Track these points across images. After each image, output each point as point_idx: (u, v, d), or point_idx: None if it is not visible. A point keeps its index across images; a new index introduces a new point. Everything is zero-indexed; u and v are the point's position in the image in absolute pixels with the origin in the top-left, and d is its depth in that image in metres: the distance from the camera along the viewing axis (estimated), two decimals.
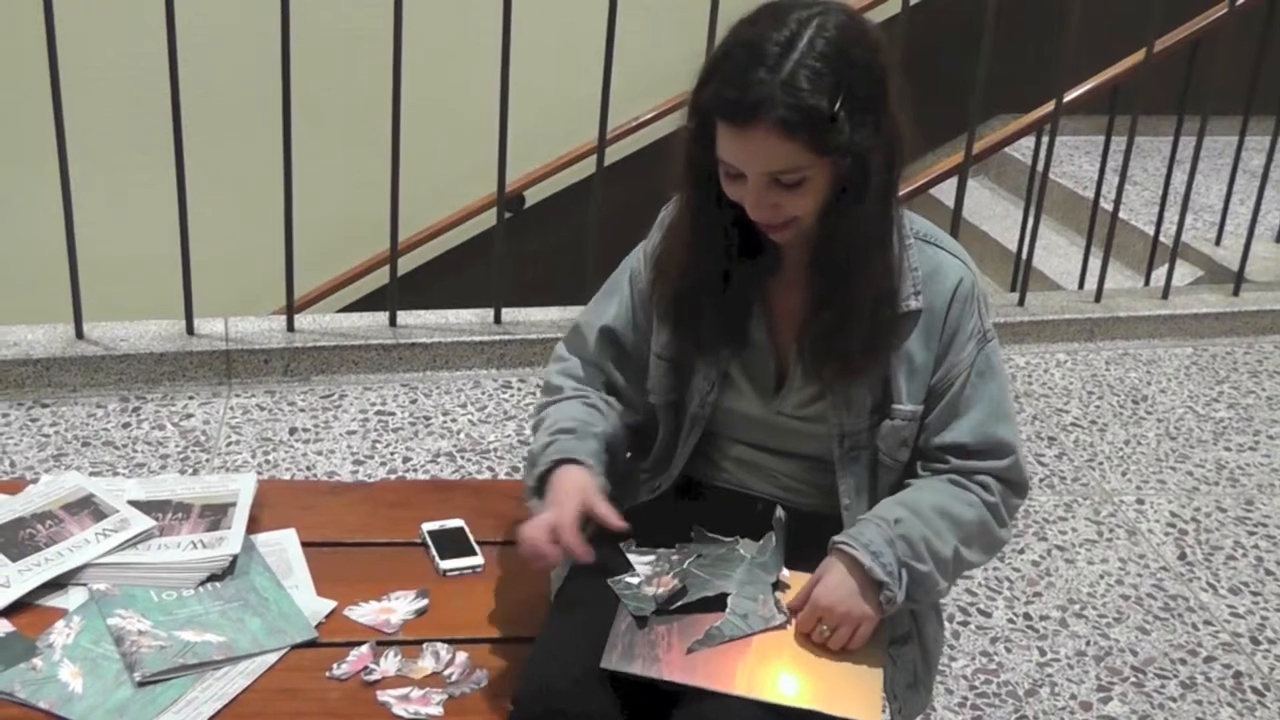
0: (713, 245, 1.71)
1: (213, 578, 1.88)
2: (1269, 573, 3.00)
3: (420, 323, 3.74)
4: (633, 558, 1.74)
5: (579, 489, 1.69)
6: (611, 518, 1.66)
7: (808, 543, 1.72)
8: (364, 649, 1.78)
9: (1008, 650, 2.68)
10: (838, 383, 1.71)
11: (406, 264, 4.55)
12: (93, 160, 3.66)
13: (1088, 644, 2.72)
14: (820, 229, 1.63)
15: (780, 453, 1.80)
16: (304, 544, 2.01)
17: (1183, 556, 3.04)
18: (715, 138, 1.57)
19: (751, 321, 1.75)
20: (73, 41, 3.29)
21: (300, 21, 3.33)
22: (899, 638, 1.74)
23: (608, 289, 1.89)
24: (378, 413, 3.42)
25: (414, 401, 3.49)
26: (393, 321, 3.72)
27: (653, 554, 1.75)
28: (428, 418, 3.41)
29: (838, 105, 1.51)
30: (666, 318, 1.78)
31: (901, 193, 1.72)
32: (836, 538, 1.67)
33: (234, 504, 2.03)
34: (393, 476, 3.13)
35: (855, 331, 1.66)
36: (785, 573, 1.73)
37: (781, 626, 1.67)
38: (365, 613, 1.87)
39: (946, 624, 2.69)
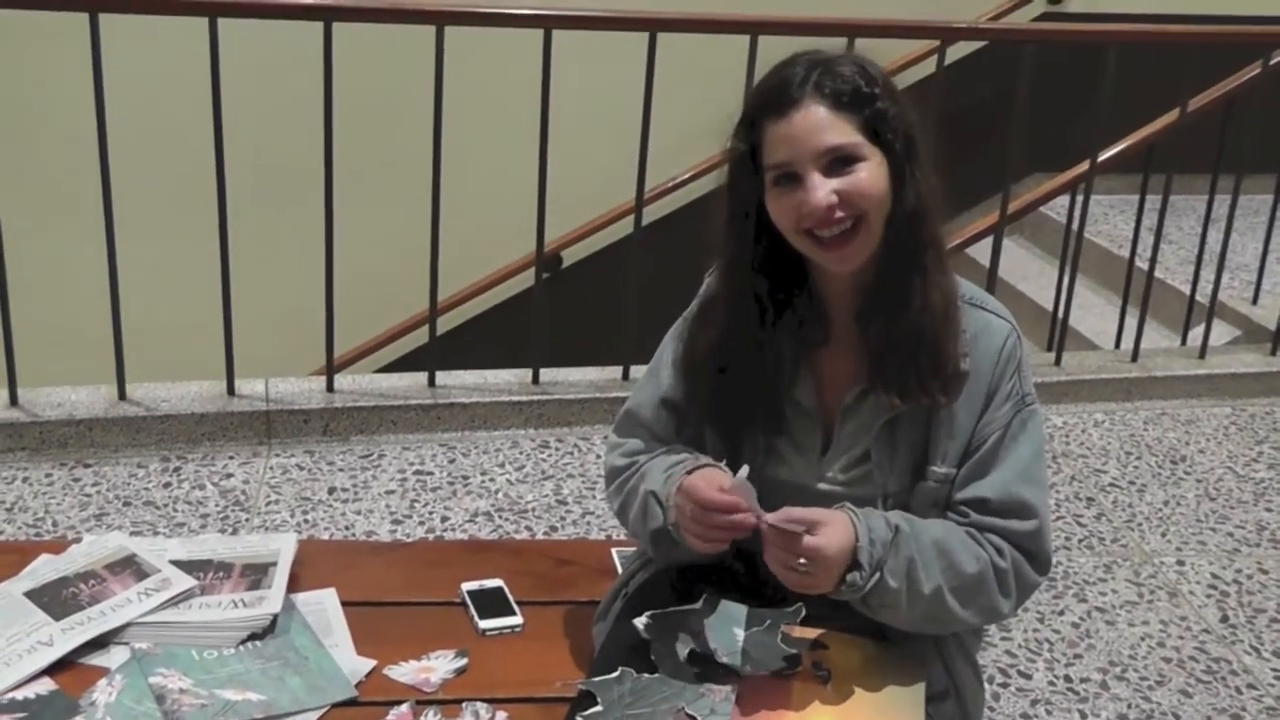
0: (753, 315, 1.71)
1: (253, 636, 1.90)
2: None
3: (459, 383, 3.77)
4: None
5: (712, 479, 1.66)
6: (742, 514, 1.60)
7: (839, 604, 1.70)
8: (404, 708, 1.79)
9: (1048, 713, 2.66)
10: (906, 416, 1.70)
11: (444, 323, 4.58)
12: (137, 223, 3.72)
13: (1129, 707, 2.69)
14: (877, 256, 1.65)
15: None
16: (344, 603, 2.03)
17: (1225, 619, 3.01)
18: (763, 149, 1.62)
19: (799, 386, 1.75)
20: (120, 106, 3.34)
21: (342, 85, 3.38)
22: (936, 695, 1.73)
23: (653, 368, 1.88)
24: (416, 472, 3.43)
25: (452, 461, 3.51)
26: (431, 382, 3.75)
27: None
28: (466, 477, 3.43)
29: (876, 91, 1.61)
30: (703, 407, 1.78)
31: None
32: (848, 505, 1.66)
33: (274, 563, 2.05)
34: (431, 536, 3.14)
35: (928, 351, 1.66)
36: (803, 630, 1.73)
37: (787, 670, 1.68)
38: (405, 672, 1.88)
39: (986, 685, 2.67)
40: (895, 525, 1.65)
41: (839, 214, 1.60)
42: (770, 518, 1.58)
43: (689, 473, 1.69)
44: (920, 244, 1.65)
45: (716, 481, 1.64)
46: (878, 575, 1.61)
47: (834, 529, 1.59)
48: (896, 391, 1.68)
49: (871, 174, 1.60)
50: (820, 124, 1.58)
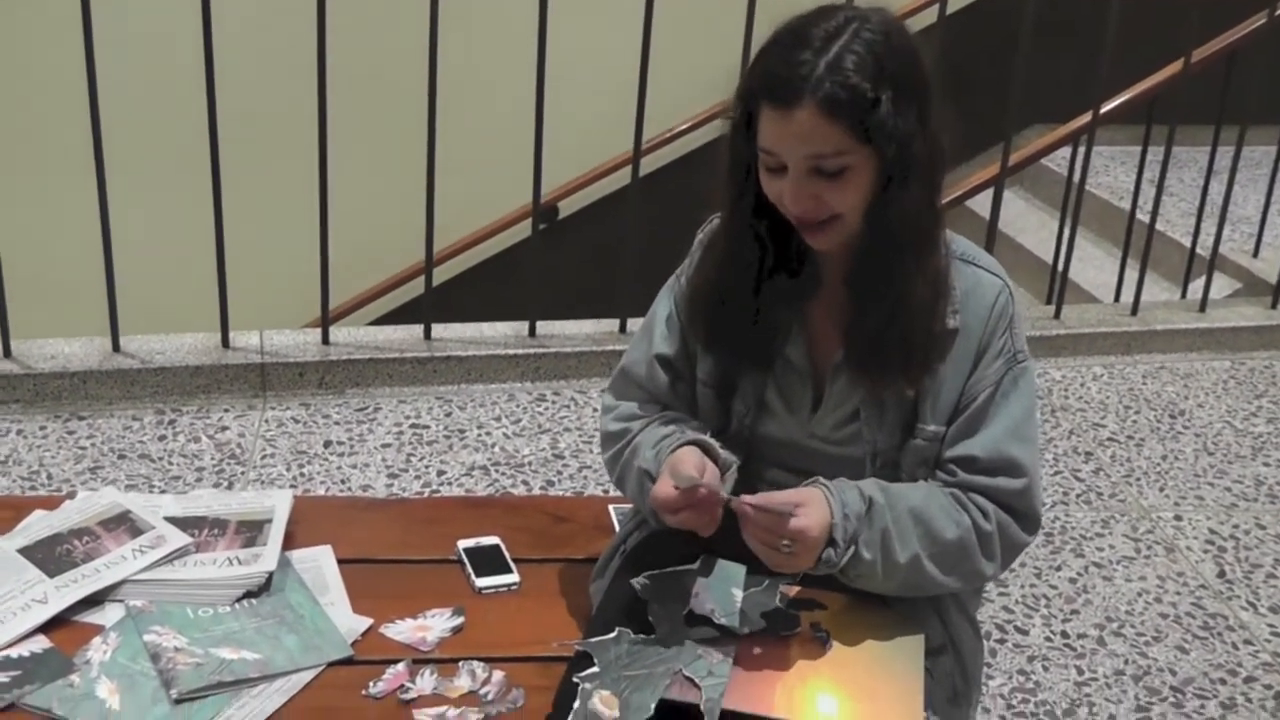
0: (749, 256, 1.70)
1: (249, 594, 1.89)
2: None
3: (455, 336, 3.75)
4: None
5: (698, 462, 1.65)
6: (715, 490, 1.61)
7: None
8: (400, 667, 1.78)
9: (1045, 669, 2.66)
10: (879, 395, 1.70)
11: (440, 275, 4.56)
12: (130, 174, 3.68)
13: (1126, 663, 2.69)
14: (862, 232, 1.62)
15: (814, 475, 1.78)
16: (340, 561, 2.01)
17: (1222, 574, 3.01)
18: (758, 127, 1.58)
19: (790, 342, 1.74)
20: (111, 57, 3.30)
21: (335, 35, 3.34)
22: (934, 649, 1.72)
23: (646, 325, 1.87)
24: (412, 426, 3.42)
25: (448, 414, 3.49)
26: (427, 334, 3.73)
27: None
28: (462, 431, 3.42)
29: (882, 91, 1.53)
30: (702, 339, 1.78)
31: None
32: (821, 479, 1.65)
33: (270, 520, 2.03)
34: (427, 490, 3.13)
35: (899, 343, 1.64)
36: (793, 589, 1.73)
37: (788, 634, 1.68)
38: (401, 630, 1.87)
39: (984, 641, 2.67)
40: (869, 498, 1.64)
41: (814, 213, 1.58)
42: (748, 499, 1.57)
43: (672, 450, 1.69)
44: (905, 240, 1.62)
45: (683, 467, 1.63)
46: (852, 549, 1.62)
47: (813, 508, 1.59)
48: (863, 373, 1.68)
49: (853, 181, 1.56)
50: (812, 131, 1.52)
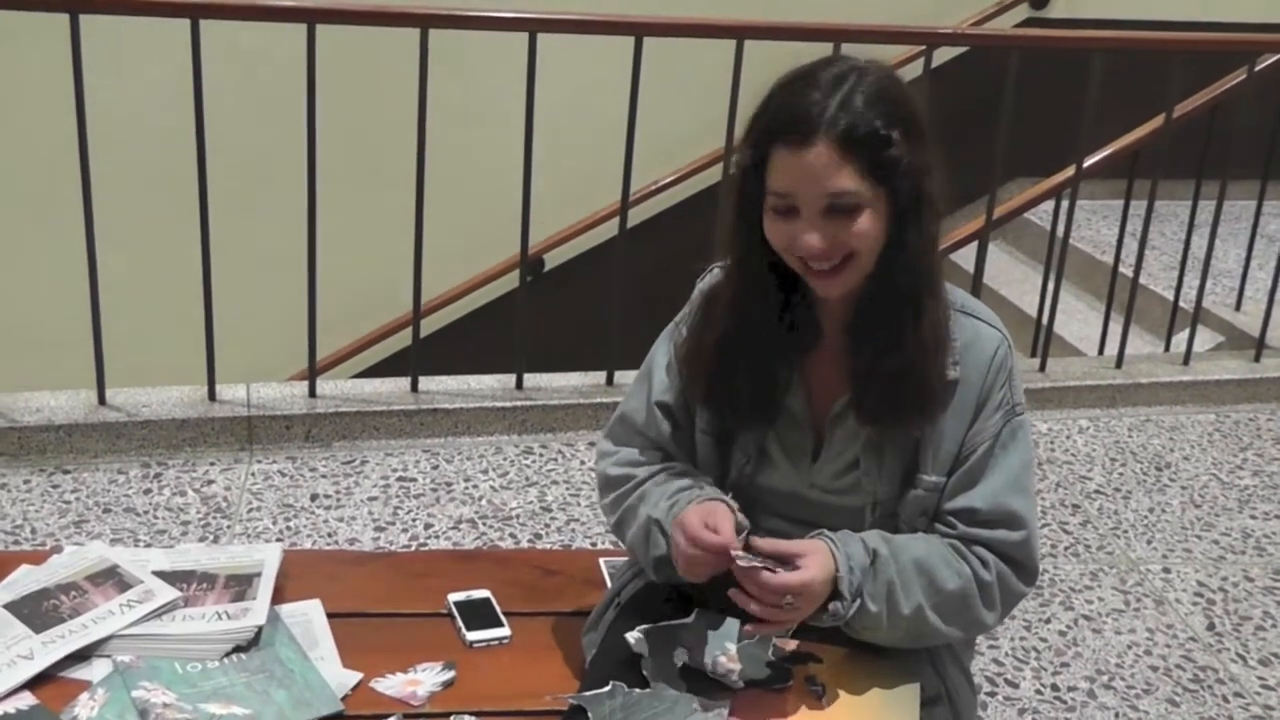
0: (754, 308, 1.70)
1: (238, 649, 1.87)
2: None
3: (442, 388, 3.74)
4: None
5: (724, 511, 1.66)
6: (728, 541, 1.60)
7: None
8: None
9: None
10: (882, 440, 1.70)
11: (427, 326, 4.56)
12: (117, 227, 3.68)
13: (1116, 716, 2.68)
14: (866, 280, 1.63)
15: (814, 525, 1.78)
16: (329, 614, 2.00)
17: (1211, 627, 3.01)
18: (769, 170, 1.59)
19: (790, 393, 1.74)
20: (100, 107, 3.31)
21: (325, 87, 3.35)
22: (929, 700, 1.72)
23: (644, 372, 1.87)
24: (399, 479, 3.41)
25: (435, 467, 3.48)
26: (414, 387, 3.72)
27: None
28: (449, 484, 3.40)
29: (893, 130, 1.55)
30: (701, 395, 1.77)
31: None
32: (826, 532, 1.66)
33: (259, 574, 2.02)
34: (414, 543, 3.11)
35: (907, 388, 1.65)
36: (792, 643, 1.72)
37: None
38: (391, 685, 1.86)
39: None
40: (873, 550, 1.65)
41: (828, 253, 1.59)
42: (758, 544, 1.58)
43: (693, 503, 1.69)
44: (914, 283, 1.63)
45: (713, 518, 1.63)
46: (859, 601, 1.62)
47: (816, 559, 1.60)
48: (872, 419, 1.69)
49: (869, 220, 1.57)
50: (828, 167, 1.54)
